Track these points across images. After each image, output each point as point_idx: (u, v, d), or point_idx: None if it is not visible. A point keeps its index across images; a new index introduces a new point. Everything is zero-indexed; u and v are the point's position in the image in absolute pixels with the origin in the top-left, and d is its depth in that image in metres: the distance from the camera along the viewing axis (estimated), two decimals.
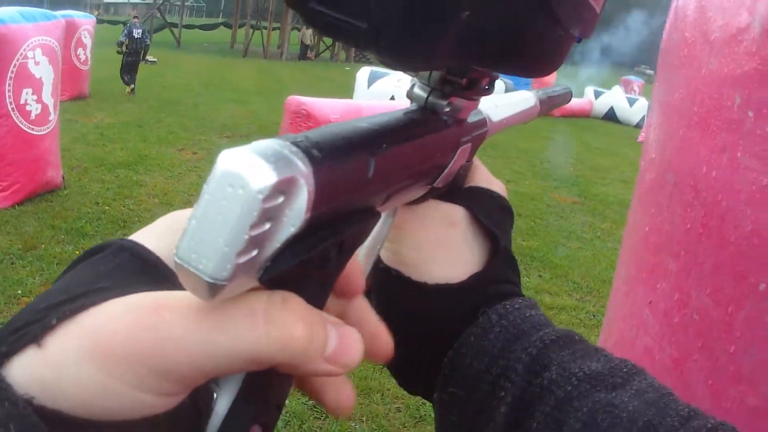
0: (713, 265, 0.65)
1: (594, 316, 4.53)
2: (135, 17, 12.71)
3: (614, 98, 16.99)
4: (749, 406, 0.61)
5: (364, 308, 0.34)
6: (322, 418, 2.92)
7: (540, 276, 5.12)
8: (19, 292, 3.85)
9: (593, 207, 7.37)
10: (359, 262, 0.34)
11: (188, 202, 5.83)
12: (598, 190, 8.21)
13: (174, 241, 0.22)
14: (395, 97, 10.31)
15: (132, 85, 11.52)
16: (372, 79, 10.99)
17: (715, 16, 0.70)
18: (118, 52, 11.55)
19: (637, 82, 22.35)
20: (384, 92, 10.54)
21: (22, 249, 4.42)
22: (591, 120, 16.54)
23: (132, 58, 11.51)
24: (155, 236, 0.30)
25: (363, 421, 3.01)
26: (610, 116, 16.85)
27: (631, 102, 17.18)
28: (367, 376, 3.15)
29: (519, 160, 9.50)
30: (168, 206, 5.65)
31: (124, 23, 13.71)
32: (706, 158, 0.68)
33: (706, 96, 0.70)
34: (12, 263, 4.22)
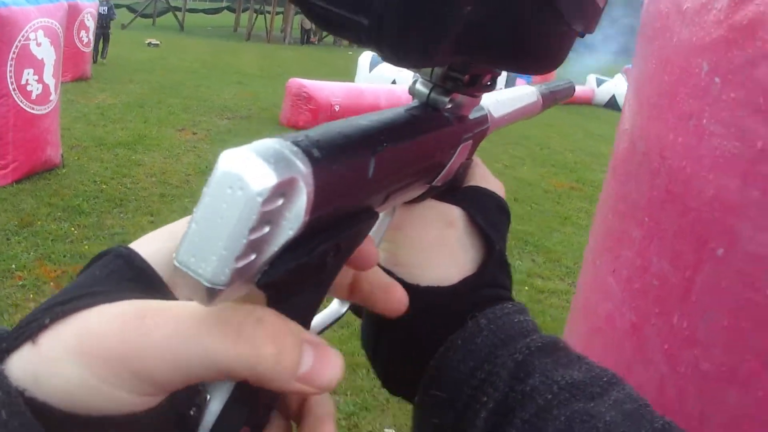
0: (674, 232, 0.65)
1: None
2: None
3: (616, 87, 16.91)
4: (702, 370, 0.61)
5: (375, 270, 0.35)
6: None
7: (533, 260, 5.12)
8: (13, 266, 3.89)
9: (590, 193, 7.36)
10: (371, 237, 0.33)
11: (186, 181, 5.83)
12: (595, 176, 8.19)
13: (174, 247, 0.22)
14: (396, 81, 10.30)
15: (101, 57, 12.91)
16: (374, 64, 10.99)
17: None
18: None
19: None
20: (385, 76, 10.53)
21: (18, 225, 4.45)
22: (593, 108, 16.49)
23: (99, 31, 12.61)
24: (159, 241, 0.32)
25: (348, 395, 3.05)
26: (612, 104, 16.80)
27: None
28: (354, 352, 3.17)
29: (519, 146, 9.48)
30: (165, 185, 5.65)
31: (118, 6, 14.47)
32: (673, 126, 0.68)
33: (676, 65, 0.70)
34: (7, 239, 4.25)
